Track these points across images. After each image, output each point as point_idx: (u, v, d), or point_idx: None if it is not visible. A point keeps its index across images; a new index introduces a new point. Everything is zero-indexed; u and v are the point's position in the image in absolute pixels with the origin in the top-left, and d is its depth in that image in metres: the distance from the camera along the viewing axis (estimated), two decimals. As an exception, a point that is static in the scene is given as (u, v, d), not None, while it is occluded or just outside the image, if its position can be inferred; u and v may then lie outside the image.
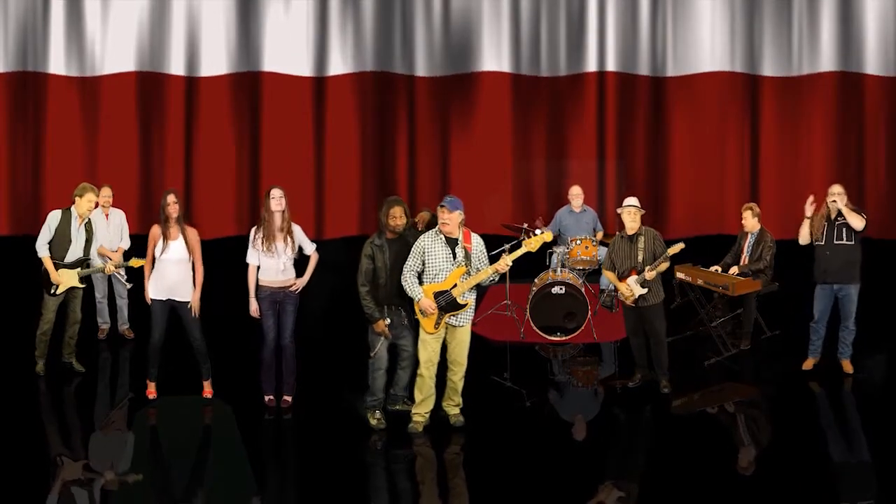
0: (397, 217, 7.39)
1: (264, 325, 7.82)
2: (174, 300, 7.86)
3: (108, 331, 9.81)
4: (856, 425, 7.87)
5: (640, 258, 8.16)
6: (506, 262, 7.21)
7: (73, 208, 8.45)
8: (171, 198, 7.87)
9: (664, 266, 8.16)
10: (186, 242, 7.85)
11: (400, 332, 7.52)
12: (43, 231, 8.42)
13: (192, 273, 7.89)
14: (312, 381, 8.35)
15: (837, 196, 8.44)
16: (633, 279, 8.15)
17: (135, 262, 8.43)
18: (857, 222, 8.38)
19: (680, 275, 9.47)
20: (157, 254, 7.84)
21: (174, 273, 7.82)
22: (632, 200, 8.35)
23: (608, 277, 8.46)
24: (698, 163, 12.32)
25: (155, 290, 7.85)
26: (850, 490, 6.64)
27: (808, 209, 8.60)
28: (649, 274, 8.08)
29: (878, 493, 6.53)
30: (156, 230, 7.87)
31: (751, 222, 9.50)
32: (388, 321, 7.42)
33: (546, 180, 12.43)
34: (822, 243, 8.50)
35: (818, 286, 8.58)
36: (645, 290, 8.13)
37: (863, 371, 8.68)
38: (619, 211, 8.38)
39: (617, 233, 8.51)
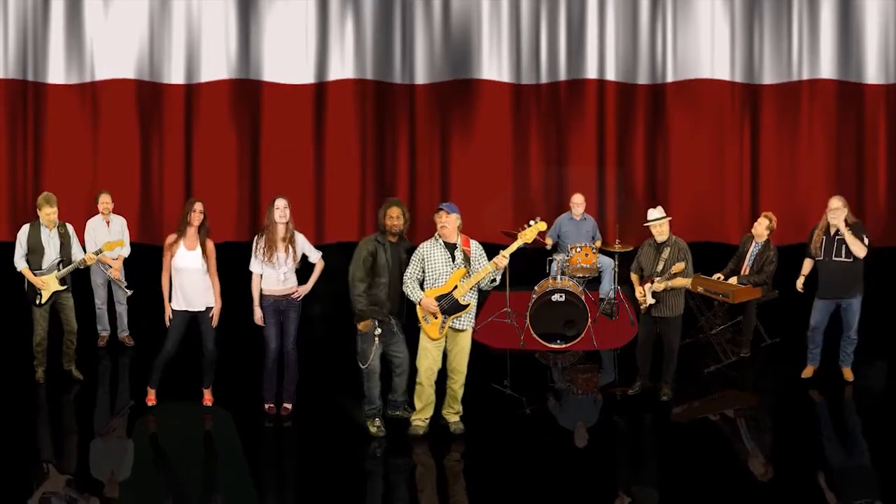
0: (394, 217, 7.39)
1: (266, 334, 7.80)
2: (194, 310, 7.83)
3: (108, 338, 9.80)
4: (856, 432, 7.87)
5: (659, 268, 8.14)
6: (504, 255, 7.20)
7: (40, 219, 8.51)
8: (198, 206, 7.79)
9: (680, 282, 8.11)
10: (205, 252, 7.83)
11: (390, 339, 7.51)
12: (16, 247, 8.49)
13: (208, 282, 7.86)
14: (312, 389, 8.34)
15: (834, 211, 8.31)
16: (648, 286, 8.16)
17: (107, 247, 8.46)
18: (858, 250, 8.27)
19: (680, 282, 9.47)
20: (176, 264, 7.72)
21: (196, 283, 7.77)
22: (654, 213, 8.30)
23: (632, 279, 8.43)
24: (698, 170, 12.32)
25: (176, 302, 7.80)
26: (850, 496, 6.64)
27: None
28: (657, 286, 8.06)
29: (878, 499, 6.54)
30: (172, 240, 7.77)
31: (761, 230, 9.44)
32: (378, 331, 7.41)
33: (546, 188, 12.43)
34: (822, 258, 8.44)
35: (817, 297, 8.57)
36: (653, 301, 8.12)
37: (863, 379, 8.68)
38: (645, 225, 8.35)
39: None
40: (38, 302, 8.48)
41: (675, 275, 8.05)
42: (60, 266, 8.49)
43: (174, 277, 7.76)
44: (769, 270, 9.32)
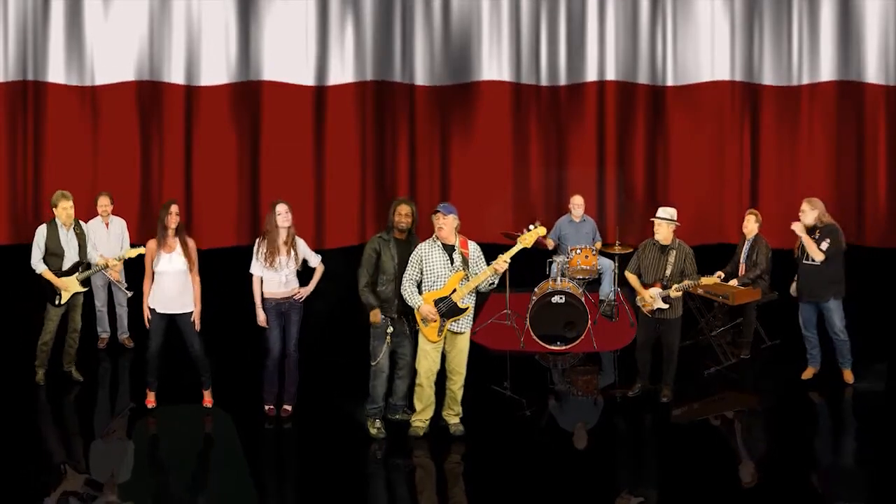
0: (402, 214, 7.45)
1: (269, 337, 7.81)
2: (173, 313, 7.84)
3: (108, 340, 9.79)
4: (854, 435, 7.87)
5: (667, 272, 8.12)
6: (503, 260, 7.21)
7: (56, 218, 8.47)
8: (173, 208, 7.83)
9: (687, 283, 8.12)
10: (186, 254, 7.84)
11: (401, 341, 7.54)
12: (34, 249, 8.43)
13: (190, 285, 7.86)
14: (312, 390, 8.34)
15: (801, 213, 8.36)
16: (656, 291, 8.12)
17: (130, 253, 8.47)
18: (814, 253, 8.29)
19: (680, 284, 9.46)
20: (154, 267, 7.77)
21: (173, 285, 7.79)
22: (665, 213, 8.27)
23: (629, 280, 8.37)
24: (698, 172, 12.32)
25: (153, 301, 7.82)
26: (846, 498, 6.64)
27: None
28: (675, 293, 8.05)
29: (875, 500, 6.55)
30: (152, 244, 7.80)
31: (751, 227, 9.47)
32: (391, 329, 7.44)
33: (546, 188, 12.43)
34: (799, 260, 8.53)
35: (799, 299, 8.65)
36: (666, 306, 8.11)
37: (863, 380, 8.68)
38: (652, 220, 8.33)
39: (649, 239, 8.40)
40: (56, 302, 8.47)
41: (692, 284, 8.04)
42: (81, 269, 8.49)
43: (154, 281, 7.78)
44: (763, 262, 9.30)
